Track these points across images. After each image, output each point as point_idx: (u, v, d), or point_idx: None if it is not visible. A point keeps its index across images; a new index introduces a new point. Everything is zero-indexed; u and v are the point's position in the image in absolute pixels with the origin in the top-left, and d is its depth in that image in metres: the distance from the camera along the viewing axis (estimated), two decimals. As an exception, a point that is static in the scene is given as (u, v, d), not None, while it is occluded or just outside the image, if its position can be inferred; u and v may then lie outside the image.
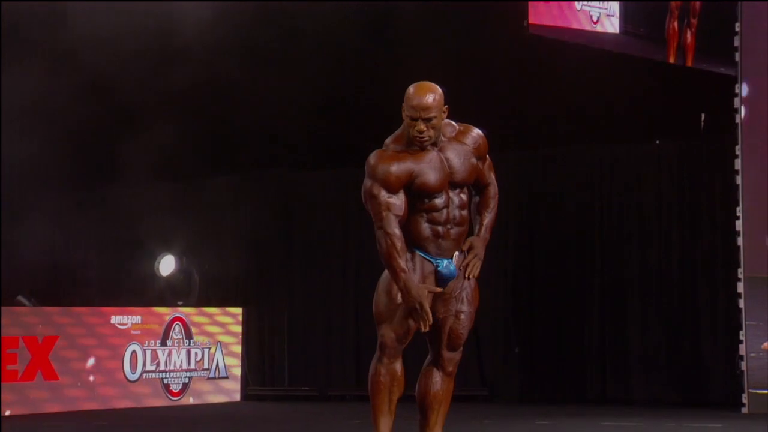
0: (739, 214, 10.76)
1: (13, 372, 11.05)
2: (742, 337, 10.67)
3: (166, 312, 12.31)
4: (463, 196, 6.22)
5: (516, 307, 12.46)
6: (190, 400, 12.32)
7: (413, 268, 6.14)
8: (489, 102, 11.90)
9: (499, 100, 12.11)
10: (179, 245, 13.48)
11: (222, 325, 12.78)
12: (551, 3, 10.94)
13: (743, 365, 10.62)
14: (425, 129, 5.96)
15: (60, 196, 13.96)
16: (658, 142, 12.14)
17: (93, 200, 14.42)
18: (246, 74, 12.81)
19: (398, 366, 6.12)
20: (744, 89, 10.83)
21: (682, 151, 11.94)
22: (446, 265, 6.21)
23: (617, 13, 11.11)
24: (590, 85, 11.69)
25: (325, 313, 13.32)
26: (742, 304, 10.69)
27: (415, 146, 5.99)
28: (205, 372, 12.52)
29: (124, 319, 11.88)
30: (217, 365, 12.64)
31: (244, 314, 13.00)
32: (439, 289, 5.99)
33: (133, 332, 11.92)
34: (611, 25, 11.12)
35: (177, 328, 12.29)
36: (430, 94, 5.95)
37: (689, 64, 11.19)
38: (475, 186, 6.28)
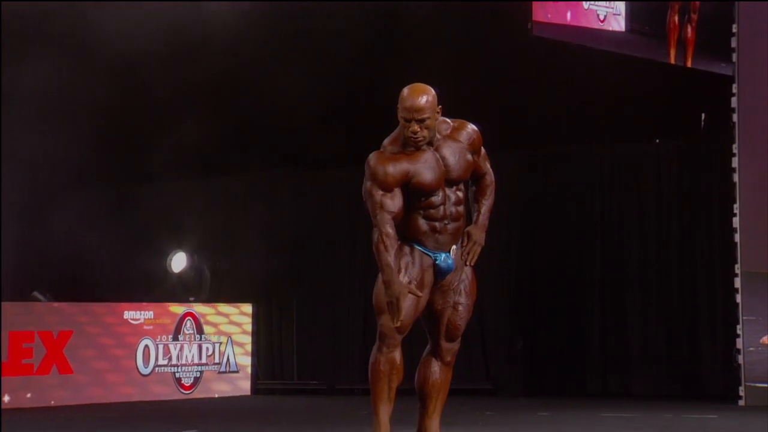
0: (736, 211, 10.86)
1: (29, 366, 11.17)
2: (739, 332, 10.78)
3: (177, 307, 12.42)
4: (459, 193, 6.36)
5: (520, 304, 12.55)
6: (202, 394, 12.41)
7: (412, 262, 6.29)
8: (493, 102, 12.00)
9: (502, 100, 12.19)
10: (191, 242, 13.58)
11: (232, 320, 12.86)
12: (559, 3, 11.09)
13: (740, 359, 10.73)
14: (419, 130, 6.09)
15: (79, 193, 14.01)
16: (658, 141, 12.23)
17: (111, 197, 14.46)
18: (257, 73, 12.90)
19: (397, 355, 6.25)
20: (741, 89, 10.95)
21: (681, 150, 12.04)
22: (444, 259, 6.36)
23: (623, 12, 11.27)
24: (592, 86, 11.81)
25: (332, 309, 13.40)
26: (739, 299, 10.79)
27: (410, 147, 6.14)
28: (216, 366, 12.63)
29: (136, 315, 12.00)
30: (228, 360, 12.72)
31: (254, 310, 13.09)
32: (420, 294, 6.09)
33: (145, 327, 12.03)
34: (617, 23, 11.28)
35: (188, 323, 12.40)
36: (422, 96, 6.08)
37: (689, 57, 11.29)
38: (472, 176, 6.42)
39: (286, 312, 13.78)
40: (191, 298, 13.02)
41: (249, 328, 13.01)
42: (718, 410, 9.94)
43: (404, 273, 6.25)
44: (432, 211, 6.26)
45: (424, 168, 6.15)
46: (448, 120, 6.32)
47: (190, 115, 12.96)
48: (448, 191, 6.28)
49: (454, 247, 6.40)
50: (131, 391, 11.86)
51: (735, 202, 10.87)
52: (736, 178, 10.88)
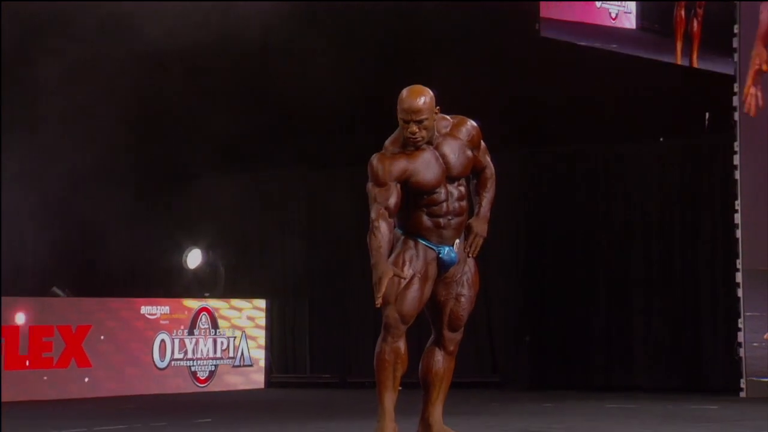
0: (737, 207, 10.98)
1: (48, 359, 11.31)
2: (740, 326, 10.88)
3: (193, 303, 12.54)
4: (462, 189, 6.49)
5: (527, 299, 12.64)
6: (217, 387, 12.50)
7: (416, 255, 6.42)
8: (501, 101, 12.08)
9: (511, 101, 12.28)
10: (206, 239, 13.69)
11: (246, 315, 12.97)
12: (574, 3, 11.24)
13: (741, 352, 10.83)
14: (417, 130, 6.22)
15: (101, 191, 14.06)
16: (662, 139, 12.32)
17: (131, 195, 14.52)
18: (270, 75, 12.98)
19: (402, 345, 6.38)
20: (742, 88, 11.06)
21: (685, 148, 12.11)
22: (447, 252, 6.49)
23: (634, 11, 11.42)
24: (598, 87, 11.92)
25: (344, 304, 13.47)
26: (740, 293, 10.90)
27: (410, 147, 6.27)
28: (230, 360, 12.73)
29: (153, 309, 12.12)
30: (242, 354, 12.81)
31: (268, 305, 13.18)
32: (404, 275, 6.18)
33: (161, 322, 12.14)
34: (628, 21, 11.45)
35: (204, 318, 12.50)
36: (420, 98, 6.21)
37: (695, 51, 11.40)
38: (473, 170, 6.55)
39: (299, 307, 13.86)
40: (206, 294, 13.11)
41: (263, 322, 13.11)
42: (719, 402, 10.02)
43: (409, 265, 6.38)
44: (435, 208, 6.40)
45: (423, 167, 6.28)
46: (448, 117, 6.44)
47: (209, 113, 13.04)
48: (450, 187, 6.42)
49: (457, 240, 6.53)
50: (148, 385, 11.97)
51: (736, 198, 10.98)
52: (737, 175, 10.98)
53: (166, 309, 12.21)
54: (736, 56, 11.09)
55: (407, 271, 6.36)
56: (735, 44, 11.10)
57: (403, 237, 6.50)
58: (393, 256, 6.44)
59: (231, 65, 12.91)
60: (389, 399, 6.39)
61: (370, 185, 6.27)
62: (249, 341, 12.92)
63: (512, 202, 12.55)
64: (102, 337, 11.69)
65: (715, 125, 11.90)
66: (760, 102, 10.89)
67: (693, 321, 11.84)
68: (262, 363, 13.03)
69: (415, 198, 6.38)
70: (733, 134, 11.05)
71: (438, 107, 6.29)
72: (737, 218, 10.97)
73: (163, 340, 12.12)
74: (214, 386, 12.49)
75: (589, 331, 12.26)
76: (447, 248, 6.48)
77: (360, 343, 13.31)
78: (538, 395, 11.23)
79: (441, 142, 6.38)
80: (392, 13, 12.32)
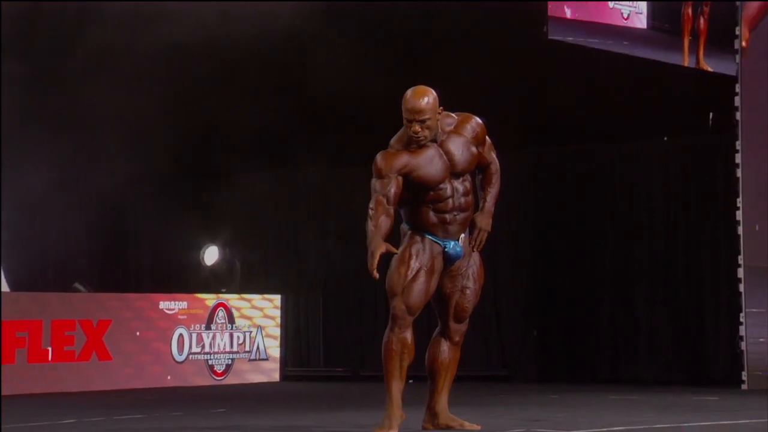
0: (739, 204, 11.07)
1: (70, 353, 11.36)
2: (742, 320, 10.97)
3: (210, 298, 12.61)
4: (467, 184, 6.63)
5: (534, 294, 12.71)
6: (233, 380, 12.56)
7: (423, 249, 6.57)
8: (513, 103, 12.18)
9: (521, 101, 12.36)
10: (223, 236, 13.78)
11: (262, 310, 13.02)
12: (588, 3, 11.37)
13: (743, 345, 10.92)
14: (420, 129, 6.37)
15: (125, 190, 14.18)
16: (666, 138, 12.41)
17: (152, 193, 14.64)
18: (285, 74, 13.05)
19: (408, 335, 6.52)
20: (744, 88, 11.16)
21: (688, 146, 12.18)
22: (453, 247, 6.63)
23: (644, 11, 11.56)
24: (605, 88, 12.03)
25: (357, 299, 13.51)
26: (742, 288, 10.99)
27: (413, 144, 6.41)
28: (246, 354, 12.77)
29: (171, 305, 12.18)
30: (258, 348, 12.85)
31: (282, 300, 13.22)
32: (396, 251, 6.30)
33: (179, 317, 12.20)
34: (639, 21, 11.59)
35: (220, 313, 12.55)
36: (423, 98, 6.35)
37: (701, 47, 11.52)
38: (478, 166, 6.68)
39: (313, 302, 13.92)
40: (223, 290, 13.17)
41: (278, 317, 13.16)
42: (720, 394, 10.10)
43: (415, 259, 6.53)
44: (441, 204, 6.54)
45: (425, 163, 6.42)
46: (453, 115, 6.57)
47: (222, 113, 13.13)
48: (455, 183, 6.55)
49: (462, 235, 6.66)
50: (166, 377, 12.03)
51: (738, 196, 11.08)
52: (739, 173, 11.08)
53: (184, 304, 12.29)
54: (737, 57, 11.18)
55: (413, 265, 6.50)
56: (736, 45, 11.20)
57: (410, 232, 6.65)
58: (400, 249, 6.60)
59: (252, 63, 12.95)
60: (396, 387, 6.54)
61: (373, 180, 6.42)
62: (264, 336, 12.98)
63: (521, 200, 12.67)
64: (122, 332, 11.80)
65: (717, 125, 11.97)
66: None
67: (696, 315, 11.91)
68: (277, 357, 13.10)
69: (422, 194, 6.52)
70: (735, 133, 11.15)
71: (441, 107, 6.42)
72: (739, 215, 11.07)
73: (181, 335, 12.19)
74: (230, 379, 12.56)
75: (595, 326, 12.34)
76: (452, 243, 6.62)
77: (372, 338, 13.31)
78: (545, 388, 11.32)
79: (445, 139, 6.51)
80: (415, 12, 12.38)
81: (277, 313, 13.17)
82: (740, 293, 11.00)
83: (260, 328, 12.93)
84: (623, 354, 12.22)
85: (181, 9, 11.49)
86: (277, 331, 13.10)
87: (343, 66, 12.30)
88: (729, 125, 11.30)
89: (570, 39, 11.36)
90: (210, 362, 12.44)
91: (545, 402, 9.42)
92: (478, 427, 6.77)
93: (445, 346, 6.75)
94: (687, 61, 11.62)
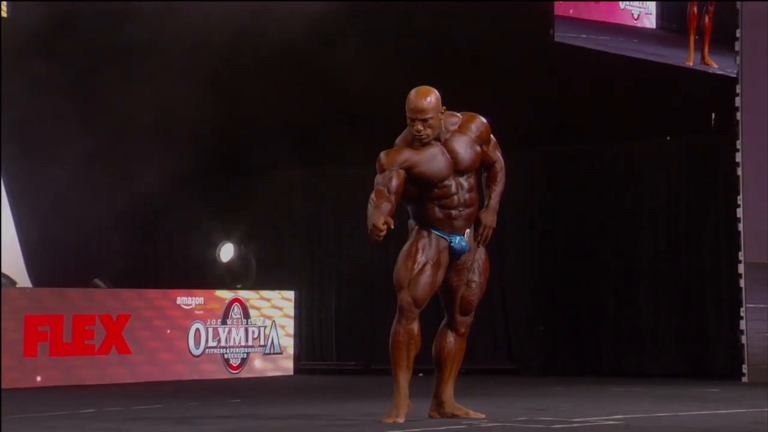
0: (739, 202, 11.15)
1: (90, 346, 11.44)
2: (742, 314, 11.05)
3: (226, 294, 12.71)
4: (471, 180, 6.71)
5: (540, 289, 12.77)
6: (248, 373, 12.64)
7: (429, 244, 6.65)
8: (520, 104, 12.24)
9: (530, 102, 12.42)
10: (238, 234, 13.84)
11: (277, 306, 13.08)
12: (600, 4, 11.46)
13: (743, 339, 11.00)
14: (422, 128, 6.47)
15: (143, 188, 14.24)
16: (668, 138, 12.47)
17: (169, 192, 14.59)
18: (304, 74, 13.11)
19: (415, 327, 6.61)
20: (744, 89, 11.24)
21: (690, 146, 12.25)
22: (458, 242, 6.72)
23: (654, 12, 11.67)
24: (608, 89, 12.10)
25: (369, 295, 13.58)
26: (742, 283, 11.07)
27: (417, 143, 6.51)
28: (261, 348, 12.83)
29: (188, 300, 12.25)
30: (272, 342, 12.90)
31: (296, 296, 13.29)
32: (391, 221, 6.33)
33: (196, 312, 12.27)
34: (649, 21, 11.70)
35: (236, 308, 12.61)
36: (426, 98, 6.45)
37: (707, 45, 11.60)
38: (483, 164, 6.77)
39: (326, 298, 14.00)
40: (238, 286, 13.24)
41: (292, 312, 13.21)
42: (721, 386, 10.17)
43: (422, 253, 6.61)
44: (446, 200, 6.62)
45: (428, 160, 6.51)
46: (458, 114, 6.66)
47: (246, 112, 13.18)
48: (460, 180, 6.63)
49: (467, 230, 6.75)
50: (183, 370, 12.11)
51: (738, 194, 11.14)
52: (739, 171, 11.15)
53: (200, 300, 12.36)
54: (738, 58, 11.26)
55: (420, 258, 6.59)
56: (737, 47, 11.28)
57: (417, 227, 6.74)
58: (407, 244, 6.69)
59: (261, 65, 13.01)
60: (404, 377, 6.62)
61: (376, 176, 6.52)
62: (279, 330, 13.04)
63: (528, 198, 12.75)
64: (140, 326, 11.90)
65: (719, 125, 12.03)
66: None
67: (698, 310, 11.97)
68: (291, 351, 13.16)
69: (427, 191, 6.61)
70: (736, 133, 11.22)
71: (444, 107, 6.51)
72: (739, 212, 11.14)
73: (197, 329, 12.27)
74: (245, 372, 12.64)
75: (600, 321, 12.41)
76: (458, 237, 6.70)
77: (383, 333, 13.32)
78: (551, 380, 11.40)
79: (449, 138, 6.60)
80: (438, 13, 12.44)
81: (291, 308, 13.24)
82: (741, 289, 11.07)
83: (274, 323, 13.00)
84: (627, 348, 12.27)
85: (214, 6, 11.56)
86: (291, 326, 13.18)
87: (358, 65, 12.33)
88: (730, 125, 11.38)
89: (578, 42, 11.42)
90: (226, 356, 12.52)
91: (550, 393, 9.49)
92: (483, 416, 6.85)
93: (451, 338, 6.83)
94: (693, 58, 11.69)
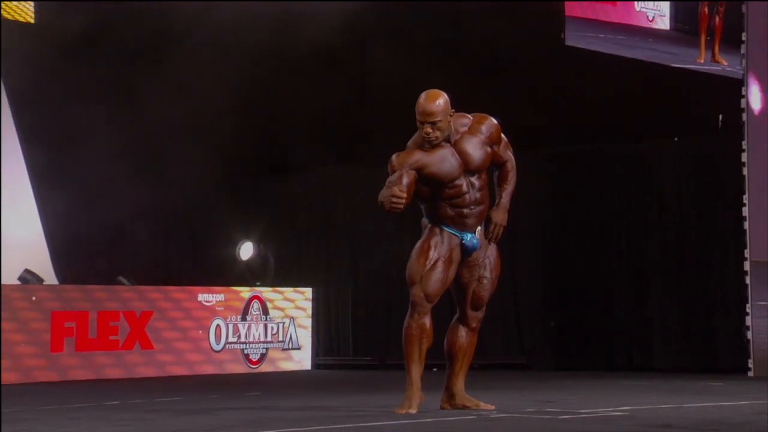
0: (745, 201, 11.20)
1: (114, 342, 11.56)
2: (748, 311, 11.10)
3: (245, 291, 12.78)
4: (482, 179, 6.79)
5: (552, 285, 12.83)
6: (267, 368, 12.72)
7: (441, 241, 6.73)
8: (526, 104, 12.31)
9: (544, 101, 12.50)
10: (257, 232, 13.92)
11: (294, 302, 13.16)
12: (618, 4, 11.55)
13: (749, 335, 11.05)
14: (431, 131, 6.56)
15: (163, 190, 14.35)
16: (676, 139, 12.53)
17: (192, 193, 14.57)
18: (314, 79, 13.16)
19: (427, 321, 6.69)
20: (750, 90, 11.29)
21: (697, 146, 12.29)
22: (470, 239, 6.80)
23: (668, 14, 11.73)
24: (618, 90, 12.15)
25: (385, 291, 13.61)
26: (748, 280, 11.12)
27: (426, 145, 6.61)
28: (280, 344, 12.91)
29: (209, 297, 12.35)
30: (291, 338, 12.98)
31: (314, 293, 13.36)
32: (404, 192, 6.41)
33: (217, 308, 12.35)
34: (663, 23, 11.75)
35: (255, 305, 12.70)
36: (435, 102, 6.53)
37: (717, 44, 11.66)
38: (494, 164, 6.86)
39: (343, 295, 14.06)
40: (257, 283, 13.32)
41: (309, 309, 13.27)
42: (726, 380, 10.22)
43: (434, 250, 6.70)
44: (458, 199, 6.71)
45: (438, 161, 6.59)
46: (468, 115, 6.74)
47: (268, 113, 13.23)
48: (471, 179, 6.72)
49: (479, 227, 6.84)
50: (204, 365, 12.21)
51: (744, 193, 11.20)
52: (745, 171, 11.21)
53: (221, 297, 12.46)
54: (743, 61, 11.31)
55: (432, 255, 6.68)
56: (743, 50, 11.33)
57: (429, 225, 6.83)
58: (420, 242, 6.78)
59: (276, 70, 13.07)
60: (416, 370, 6.70)
61: (388, 177, 6.61)
62: (297, 326, 13.11)
63: (540, 197, 12.81)
64: (163, 322, 12.01)
65: (726, 126, 12.07)
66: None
67: (705, 307, 12.00)
68: (308, 346, 13.26)
69: (439, 191, 6.70)
70: (741, 133, 11.27)
71: (453, 109, 6.59)
72: (745, 212, 11.20)
73: (218, 325, 12.36)
74: (264, 367, 12.72)
75: (610, 316, 12.45)
76: (469, 235, 6.78)
77: (398, 329, 13.43)
78: (562, 375, 11.46)
79: (459, 139, 6.68)
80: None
81: (309, 305, 13.31)
82: (746, 286, 11.13)
83: (293, 319, 13.08)
84: (636, 343, 12.32)
85: (248, 7, 11.63)
86: (308, 322, 13.25)
87: (382, 66, 12.37)
88: (736, 126, 11.43)
89: (590, 44, 11.46)
90: (246, 351, 12.61)
91: (560, 387, 9.54)
92: (493, 407, 6.93)
93: (462, 332, 6.91)
94: (704, 57, 11.75)
